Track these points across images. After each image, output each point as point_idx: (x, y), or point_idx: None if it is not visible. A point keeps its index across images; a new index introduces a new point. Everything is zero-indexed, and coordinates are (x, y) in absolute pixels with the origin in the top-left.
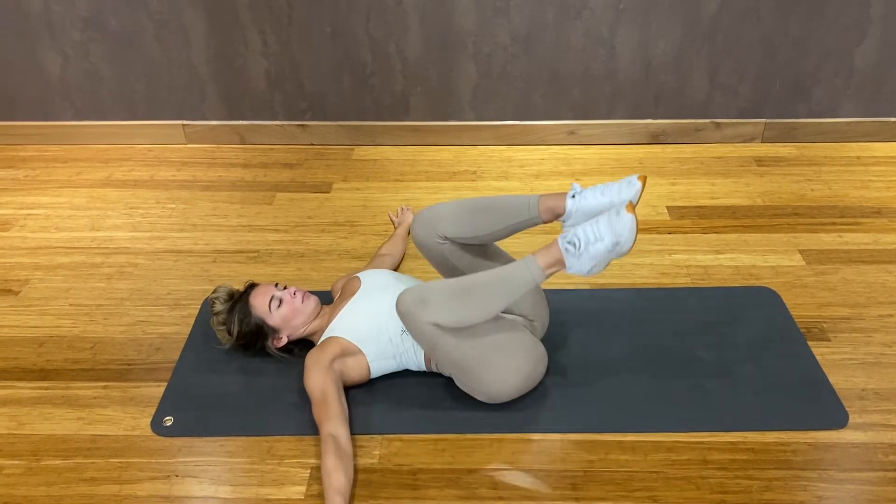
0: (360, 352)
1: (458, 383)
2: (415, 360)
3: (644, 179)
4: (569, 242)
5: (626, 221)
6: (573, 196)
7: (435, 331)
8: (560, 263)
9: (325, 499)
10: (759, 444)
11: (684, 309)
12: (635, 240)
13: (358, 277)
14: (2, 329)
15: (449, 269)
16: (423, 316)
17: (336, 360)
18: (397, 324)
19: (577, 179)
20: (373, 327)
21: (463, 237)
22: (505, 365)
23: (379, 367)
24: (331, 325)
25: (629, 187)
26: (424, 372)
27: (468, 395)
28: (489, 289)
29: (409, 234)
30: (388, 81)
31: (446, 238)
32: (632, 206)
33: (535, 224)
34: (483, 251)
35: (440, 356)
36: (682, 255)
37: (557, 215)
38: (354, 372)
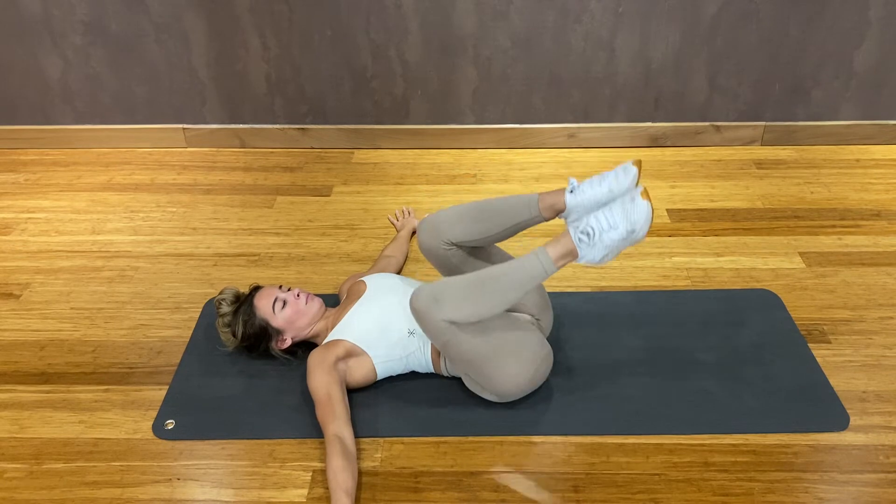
0: (365, 354)
1: (467, 383)
2: (422, 360)
3: (639, 164)
4: (582, 232)
5: (642, 208)
6: (571, 191)
7: (448, 327)
8: (572, 254)
9: (332, 499)
10: (760, 446)
11: (685, 311)
12: (650, 227)
13: (363, 281)
14: (3, 333)
15: (453, 272)
16: (438, 314)
17: (340, 361)
18: (404, 325)
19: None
20: (380, 330)
21: (468, 241)
22: (515, 362)
23: (386, 369)
24: (337, 328)
25: (626, 174)
26: (430, 374)
27: (469, 397)
28: (501, 282)
29: (412, 237)
30: (388, 85)
31: (452, 244)
32: (647, 193)
33: (538, 222)
34: (486, 254)
35: (452, 353)
36: (683, 257)
37: (558, 212)
38: (359, 373)
